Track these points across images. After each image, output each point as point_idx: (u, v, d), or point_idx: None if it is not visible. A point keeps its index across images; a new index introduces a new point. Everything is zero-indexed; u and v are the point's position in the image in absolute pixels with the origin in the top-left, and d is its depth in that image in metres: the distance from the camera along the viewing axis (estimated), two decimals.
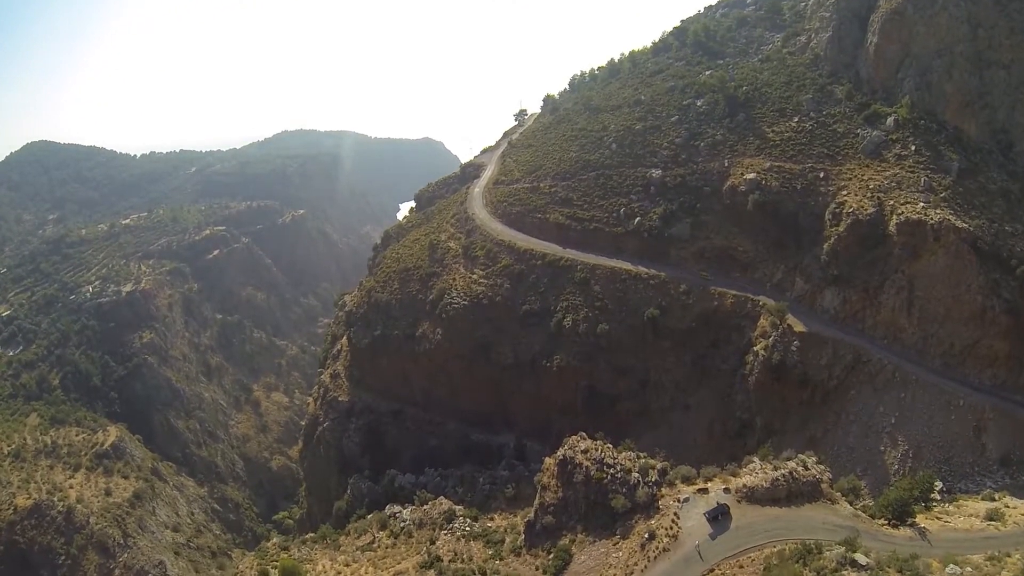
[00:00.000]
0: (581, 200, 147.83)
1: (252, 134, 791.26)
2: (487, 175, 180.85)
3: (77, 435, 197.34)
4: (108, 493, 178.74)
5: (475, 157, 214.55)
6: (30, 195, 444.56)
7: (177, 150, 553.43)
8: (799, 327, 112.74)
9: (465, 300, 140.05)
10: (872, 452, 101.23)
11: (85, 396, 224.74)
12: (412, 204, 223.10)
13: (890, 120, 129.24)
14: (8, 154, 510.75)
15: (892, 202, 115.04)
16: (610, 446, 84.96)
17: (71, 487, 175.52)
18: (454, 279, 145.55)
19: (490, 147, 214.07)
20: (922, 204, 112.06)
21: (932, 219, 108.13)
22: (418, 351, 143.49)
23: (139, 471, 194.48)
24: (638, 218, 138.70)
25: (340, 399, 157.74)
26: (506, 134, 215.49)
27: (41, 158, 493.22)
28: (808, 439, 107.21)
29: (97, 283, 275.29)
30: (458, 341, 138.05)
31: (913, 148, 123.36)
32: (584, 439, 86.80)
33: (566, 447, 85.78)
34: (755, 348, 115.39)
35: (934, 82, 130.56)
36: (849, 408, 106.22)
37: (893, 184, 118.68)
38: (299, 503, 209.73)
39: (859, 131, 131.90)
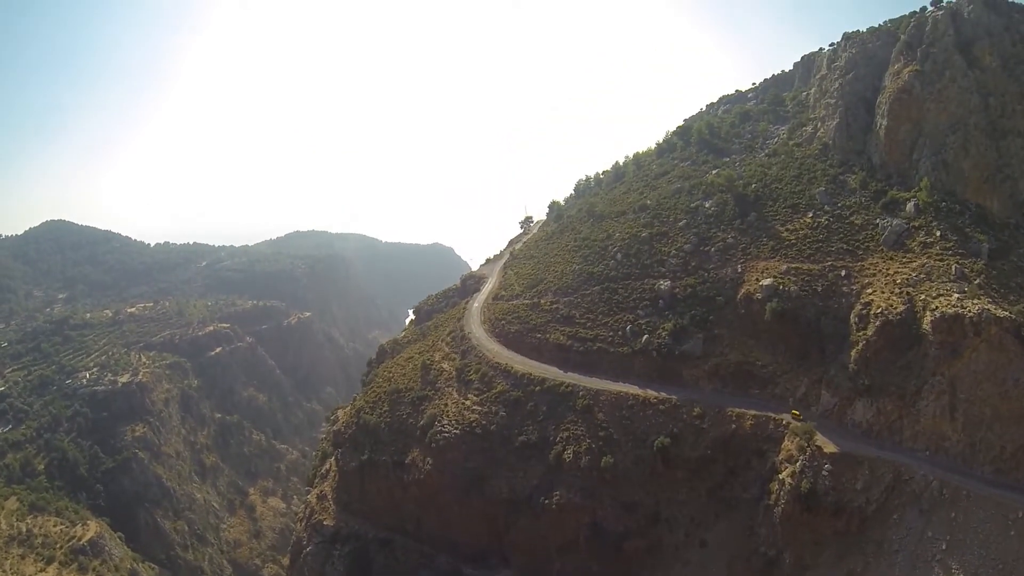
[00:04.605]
0: (584, 318, 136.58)
1: (265, 230, 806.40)
2: (487, 288, 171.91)
3: (55, 525, 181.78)
4: None
5: (479, 267, 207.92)
6: (43, 271, 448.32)
7: (191, 242, 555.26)
8: (829, 447, 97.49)
9: (457, 428, 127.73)
10: None
11: (69, 485, 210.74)
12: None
13: (910, 206, 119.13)
14: (27, 229, 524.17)
15: (924, 296, 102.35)
16: None
17: None
18: (446, 404, 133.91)
19: (494, 256, 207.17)
20: (956, 295, 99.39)
21: (970, 311, 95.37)
22: (408, 480, 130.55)
23: (116, 571, 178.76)
24: (646, 335, 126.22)
25: (326, 523, 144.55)
26: (511, 243, 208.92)
27: (58, 237, 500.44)
28: (846, 575, 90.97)
29: (95, 369, 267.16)
30: (449, 472, 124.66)
31: (938, 234, 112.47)
32: None
33: None
34: (780, 475, 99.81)
35: (950, 160, 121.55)
36: (892, 535, 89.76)
37: (922, 276, 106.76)
38: None
39: (878, 221, 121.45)
